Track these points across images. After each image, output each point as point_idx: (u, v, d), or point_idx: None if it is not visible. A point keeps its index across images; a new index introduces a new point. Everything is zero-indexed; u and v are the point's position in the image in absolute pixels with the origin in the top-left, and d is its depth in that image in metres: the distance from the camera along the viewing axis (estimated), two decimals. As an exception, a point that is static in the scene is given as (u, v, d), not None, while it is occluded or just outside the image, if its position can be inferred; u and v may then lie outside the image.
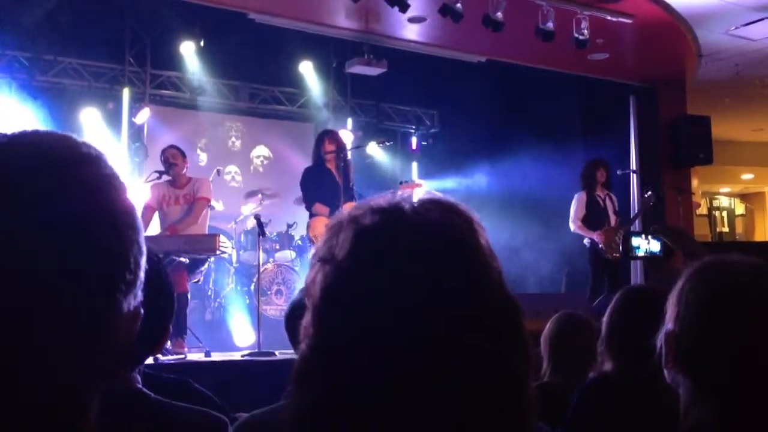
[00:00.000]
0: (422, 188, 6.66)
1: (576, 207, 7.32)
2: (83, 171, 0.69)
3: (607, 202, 7.35)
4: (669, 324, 1.18)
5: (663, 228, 1.58)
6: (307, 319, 0.74)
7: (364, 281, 0.71)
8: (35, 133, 0.71)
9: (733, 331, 1.11)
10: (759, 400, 1.10)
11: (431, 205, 0.76)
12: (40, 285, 0.63)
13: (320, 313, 0.73)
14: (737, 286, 1.14)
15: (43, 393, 0.64)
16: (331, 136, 6.51)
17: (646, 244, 1.45)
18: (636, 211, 7.53)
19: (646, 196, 7.45)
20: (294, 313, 2.14)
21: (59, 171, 0.67)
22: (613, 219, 7.28)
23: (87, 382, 0.68)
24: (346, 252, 0.73)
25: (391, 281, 0.70)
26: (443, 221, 0.74)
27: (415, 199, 0.77)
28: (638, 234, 1.52)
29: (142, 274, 0.72)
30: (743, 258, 1.18)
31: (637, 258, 1.59)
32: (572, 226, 7.33)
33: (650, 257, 1.48)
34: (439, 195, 0.78)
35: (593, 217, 7.24)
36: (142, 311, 0.73)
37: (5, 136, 0.70)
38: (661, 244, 1.41)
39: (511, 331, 0.74)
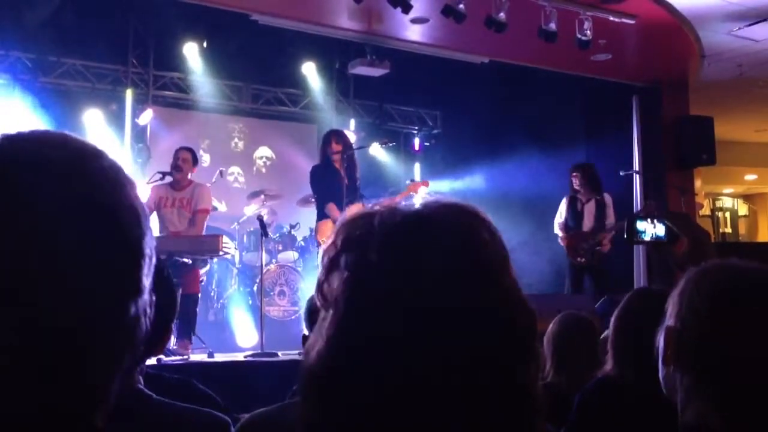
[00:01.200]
0: (428, 187, 6.72)
1: (558, 210, 7.57)
2: (93, 163, 0.70)
3: (588, 206, 7.38)
4: (670, 321, 1.19)
5: (668, 212, 1.58)
6: (326, 319, 0.75)
7: (389, 283, 0.72)
8: (43, 131, 0.72)
9: (735, 331, 1.11)
10: (758, 398, 1.11)
11: (450, 209, 0.77)
12: (55, 285, 0.64)
13: (342, 314, 0.73)
14: (741, 288, 1.15)
15: (65, 389, 0.64)
16: (337, 135, 6.51)
17: (651, 229, 1.46)
18: (619, 219, 7.39)
19: (647, 203, 7.47)
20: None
21: (71, 167, 0.68)
22: (587, 224, 7.33)
23: (109, 374, 0.68)
24: (373, 257, 0.73)
25: (414, 283, 0.72)
26: (464, 227, 0.76)
27: (430, 202, 0.78)
28: (643, 218, 1.52)
29: (153, 260, 0.73)
30: (747, 262, 1.19)
31: (642, 242, 1.60)
32: (554, 227, 7.60)
33: (655, 242, 1.48)
34: (456, 200, 0.79)
35: (571, 221, 7.42)
36: (149, 310, 0.73)
37: (21, 133, 0.71)
38: (666, 229, 1.40)
39: (525, 333, 0.75)
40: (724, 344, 1.12)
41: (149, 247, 0.71)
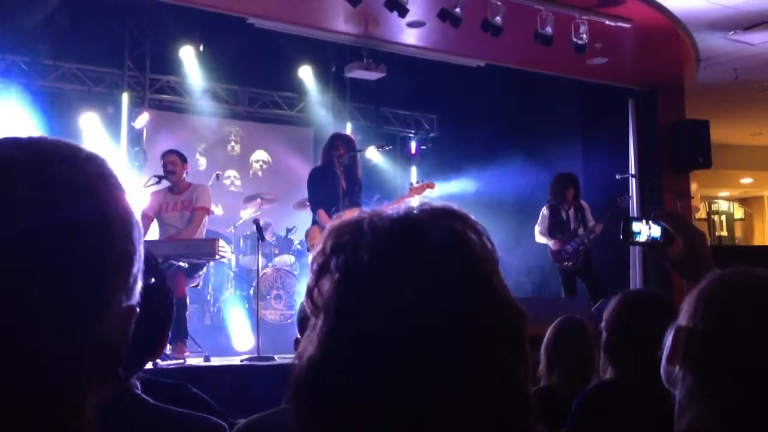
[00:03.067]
0: (434, 189, 6.55)
1: (540, 219, 7.54)
2: (80, 171, 0.70)
3: (571, 211, 7.44)
4: (683, 320, 1.18)
5: (663, 213, 1.58)
6: (316, 325, 0.75)
7: (380, 284, 0.72)
8: (39, 136, 0.72)
9: (750, 337, 1.11)
10: (759, 407, 1.11)
11: (440, 212, 0.78)
12: (32, 286, 0.64)
13: (333, 317, 0.73)
14: (761, 294, 1.14)
15: (32, 392, 0.65)
16: (342, 140, 6.44)
17: (647, 230, 1.45)
18: (595, 220, 7.41)
19: (620, 200, 7.51)
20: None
21: (56, 171, 0.68)
22: (573, 227, 7.39)
23: (79, 382, 0.68)
24: (365, 258, 0.74)
25: (404, 284, 0.72)
26: (454, 230, 0.76)
27: (420, 205, 0.79)
28: (638, 219, 1.52)
29: (139, 275, 0.72)
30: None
31: (637, 243, 1.59)
32: (536, 236, 7.56)
33: (651, 243, 1.47)
34: (446, 203, 0.80)
35: (555, 228, 7.45)
36: (137, 310, 0.73)
37: (17, 138, 0.70)
38: (661, 230, 1.40)
39: (515, 334, 0.76)
40: (737, 349, 1.12)
41: (137, 261, 0.71)
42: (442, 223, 0.76)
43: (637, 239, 1.57)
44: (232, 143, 9.93)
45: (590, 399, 2.16)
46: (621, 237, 1.57)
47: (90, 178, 0.70)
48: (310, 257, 0.79)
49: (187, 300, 5.98)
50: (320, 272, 0.76)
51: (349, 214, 0.79)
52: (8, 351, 0.63)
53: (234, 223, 8.03)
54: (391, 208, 0.78)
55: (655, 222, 1.57)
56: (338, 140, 6.38)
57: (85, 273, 0.67)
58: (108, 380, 0.71)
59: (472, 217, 0.79)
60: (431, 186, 6.51)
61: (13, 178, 0.66)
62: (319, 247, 0.78)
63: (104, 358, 0.70)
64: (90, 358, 0.68)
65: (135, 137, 8.68)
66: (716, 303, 1.15)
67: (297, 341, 2.03)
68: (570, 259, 7.31)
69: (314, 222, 6.22)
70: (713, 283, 1.18)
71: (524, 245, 8.04)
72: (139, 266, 0.72)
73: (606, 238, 7.27)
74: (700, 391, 1.14)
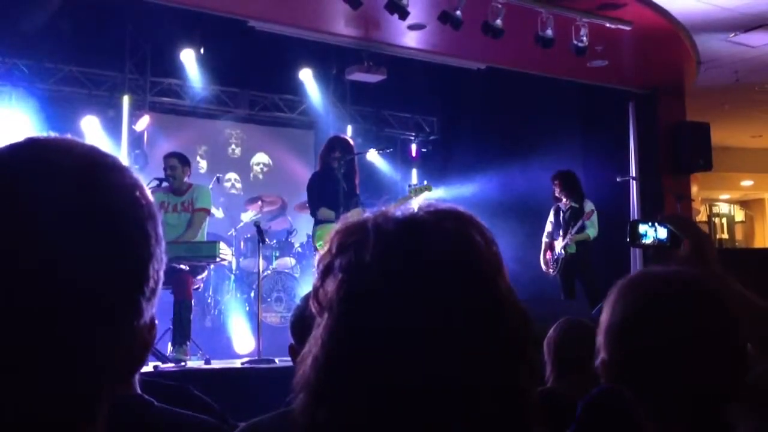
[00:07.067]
0: (432, 193, 6.53)
1: (548, 221, 7.55)
2: (112, 179, 0.70)
3: (567, 215, 7.34)
4: (605, 316, 1.23)
5: (669, 215, 1.59)
6: (320, 325, 0.75)
7: (382, 284, 0.72)
8: (66, 140, 0.72)
9: (665, 328, 1.14)
10: (686, 407, 1.14)
11: (445, 213, 0.78)
12: (63, 290, 0.64)
13: (336, 316, 0.73)
14: (658, 296, 1.18)
15: (57, 396, 0.64)
16: (338, 142, 6.45)
17: (653, 232, 1.44)
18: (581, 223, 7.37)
19: (585, 213, 7.33)
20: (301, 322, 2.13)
21: (89, 178, 0.68)
22: (561, 232, 7.35)
23: (102, 388, 0.68)
24: (368, 259, 0.74)
25: (407, 285, 0.72)
26: (458, 231, 0.76)
27: (424, 206, 0.79)
28: (645, 222, 1.51)
29: (160, 285, 0.72)
30: (670, 270, 1.23)
31: (644, 246, 1.58)
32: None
33: (657, 245, 1.46)
34: (451, 205, 0.80)
35: (554, 230, 7.46)
36: (156, 321, 0.73)
37: (35, 139, 0.70)
38: (668, 232, 1.39)
39: (519, 336, 0.76)
40: (653, 342, 1.14)
41: (154, 271, 0.70)
42: (447, 224, 0.76)
43: (643, 241, 1.57)
44: (233, 146, 9.94)
45: (598, 399, 2.13)
46: (627, 239, 1.57)
47: (130, 191, 0.70)
48: (316, 258, 0.79)
49: (192, 302, 5.97)
50: (325, 272, 0.76)
51: (355, 216, 0.79)
52: (37, 354, 0.63)
53: (234, 226, 8.03)
54: (397, 210, 0.78)
55: (661, 224, 1.57)
56: (336, 144, 6.39)
57: (116, 279, 0.67)
58: (122, 384, 0.71)
59: (477, 218, 0.79)
60: (428, 189, 6.49)
61: (51, 180, 0.66)
62: (325, 248, 0.78)
63: (127, 364, 0.70)
64: (114, 364, 0.68)
65: (136, 140, 8.69)
66: (635, 298, 1.19)
67: (291, 347, 2.03)
68: (552, 267, 7.38)
69: (317, 223, 6.22)
70: (631, 279, 1.22)
71: (524, 247, 8.03)
72: (161, 277, 0.72)
73: (607, 240, 7.26)
74: (637, 401, 1.18)
